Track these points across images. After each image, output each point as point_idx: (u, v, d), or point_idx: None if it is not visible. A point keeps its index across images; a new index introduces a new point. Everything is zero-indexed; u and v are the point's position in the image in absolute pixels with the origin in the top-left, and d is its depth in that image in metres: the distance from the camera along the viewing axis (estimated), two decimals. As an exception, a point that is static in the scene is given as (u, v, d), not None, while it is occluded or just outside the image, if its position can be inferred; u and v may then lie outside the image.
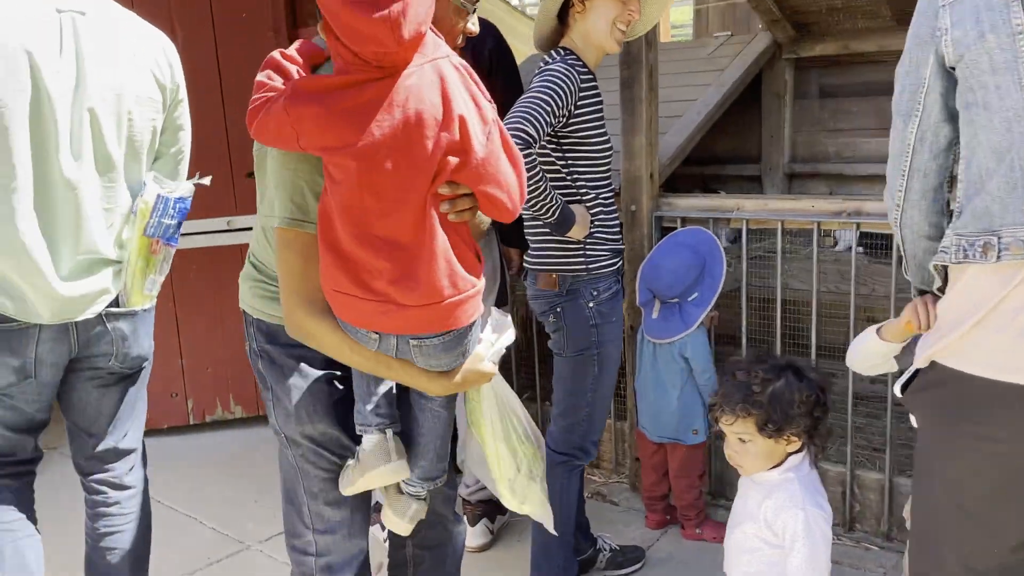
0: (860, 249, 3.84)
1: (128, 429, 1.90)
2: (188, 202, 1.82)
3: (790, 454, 1.69)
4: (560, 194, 2.14)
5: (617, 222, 2.32)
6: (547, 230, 2.22)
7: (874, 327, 1.57)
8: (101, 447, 1.87)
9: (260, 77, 1.32)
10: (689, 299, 2.64)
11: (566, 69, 2.09)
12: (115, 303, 1.75)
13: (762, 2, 3.58)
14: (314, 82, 1.24)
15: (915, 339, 1.44)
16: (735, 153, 4.27)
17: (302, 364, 1.47)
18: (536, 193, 2.06)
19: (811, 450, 1.71)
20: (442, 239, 1.26)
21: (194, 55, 3.07)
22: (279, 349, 1.48)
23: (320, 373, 1.48)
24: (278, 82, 1.30)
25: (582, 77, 2.12)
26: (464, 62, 1.33)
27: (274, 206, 1.35)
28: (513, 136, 1.85)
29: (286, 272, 1.34)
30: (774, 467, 1.69)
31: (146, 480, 1.99)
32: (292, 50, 1.36)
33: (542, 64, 2.18)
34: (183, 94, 1.84)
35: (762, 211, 2.82)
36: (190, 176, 1.91)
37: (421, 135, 1.20)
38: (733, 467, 1.75)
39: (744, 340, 2.83)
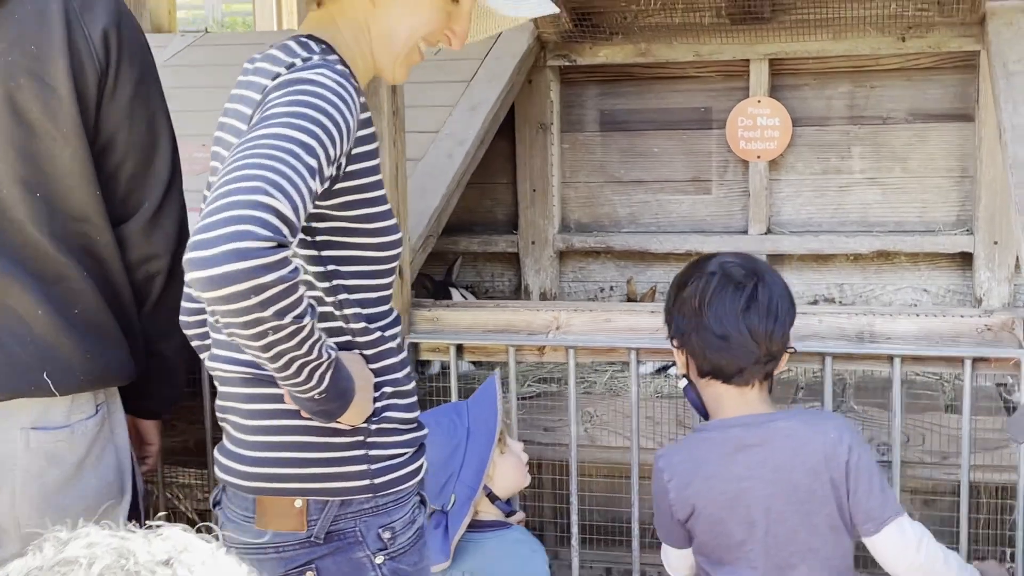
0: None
1: None
2: None
3: None
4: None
5: (413, 382, 1.95)
6: (284, 405, 1.77)
7: None
8: None
9: None
10: (448, 507, 2.51)
11: (338, 82, 1.68)
12: None
13: (531, -25, 3.32)
14: None
15: None
16: (475, 217, 4.10)
17: None
18: (297, 341, 1.55)
19: None
20: None
21: None
22: None
23: None
24: None
25: (360, 101, 1.75)
26: None
27: None
28: (250, 222, 1.44)
29: None
30: None
31: None
32: None
33: (266, 64, 1.76)
34: None
35: (600, 332, 2.67)
36: None
37: None
38: None
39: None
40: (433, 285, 3.87)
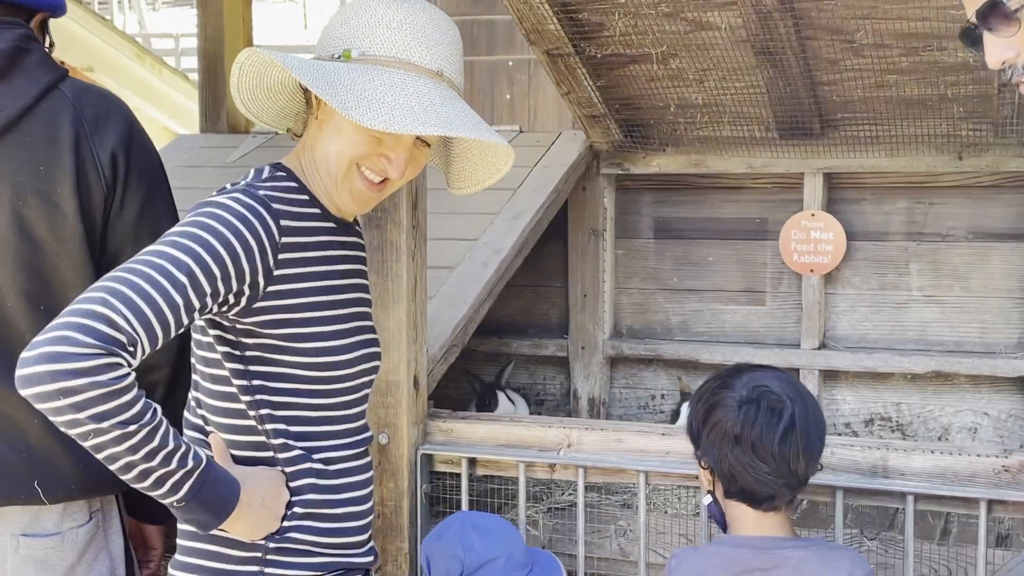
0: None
1: None
2: None
3: None
4: (236, 446, 1.85)
5: (362, 507, 1.98)
6: None
7: None
8: None
9: None
10: None
11: (247, 206, 1.75)
12: None
13: (579, 88, 3.41)
14: None
15: None
16: (528, 319, 4.12)
17: None
18: (128, 447, 1.58)
19: None
20: None
21: None
22: None
23: None
24: None
25: (284, 223, 1.80)
26: None
27: None
28: (73, 328, 1.51)
29: None
30: None
31: None
32: None
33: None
34: None
35: (611, 452, 2.63)
36: None
37: None
38: None
39: None
40: (481, 387, 3.90)
